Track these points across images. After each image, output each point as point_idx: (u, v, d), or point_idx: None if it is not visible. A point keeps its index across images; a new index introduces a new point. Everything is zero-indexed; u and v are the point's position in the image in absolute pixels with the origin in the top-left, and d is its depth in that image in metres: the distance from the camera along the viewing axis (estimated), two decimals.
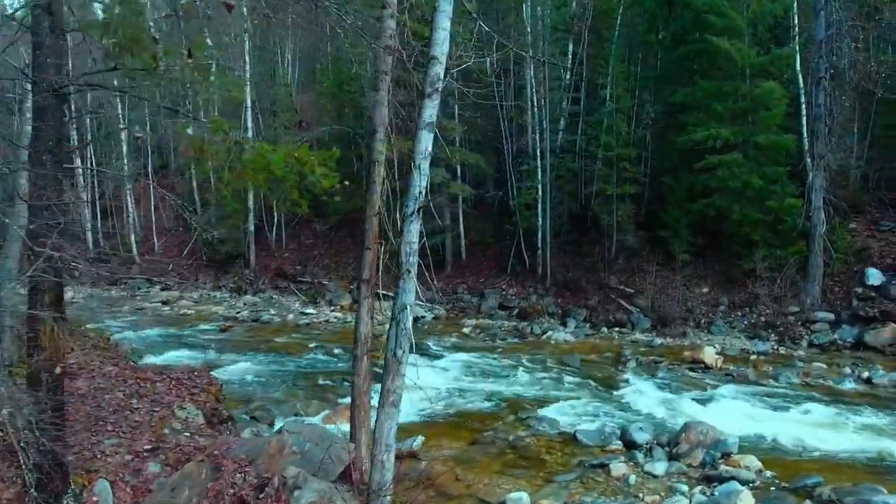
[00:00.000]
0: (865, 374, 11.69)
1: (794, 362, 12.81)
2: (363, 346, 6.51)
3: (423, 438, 7.59)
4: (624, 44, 19.80)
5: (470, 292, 20.21)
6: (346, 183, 4.62)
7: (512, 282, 20.03)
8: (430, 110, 4.73)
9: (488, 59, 7.40)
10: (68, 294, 22.04)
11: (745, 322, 15.72)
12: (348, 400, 10.01)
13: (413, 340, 4.99)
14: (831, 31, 14.74)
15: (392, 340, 4.98)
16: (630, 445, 7.52)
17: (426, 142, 4.76)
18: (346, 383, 10.69)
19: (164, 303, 20.02)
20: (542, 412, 9.10)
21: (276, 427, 8.42)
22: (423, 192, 4.81)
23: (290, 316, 17.98)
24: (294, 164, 4.05)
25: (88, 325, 14.27)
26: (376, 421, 5.05)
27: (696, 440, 7.18)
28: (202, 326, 16.10)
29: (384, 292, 21.72)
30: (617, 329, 16.17)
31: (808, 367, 12.46)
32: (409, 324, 4.99)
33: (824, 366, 12.55)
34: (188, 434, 6.00)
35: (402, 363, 4.95)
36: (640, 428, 7.77)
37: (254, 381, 10.52)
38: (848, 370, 12.16)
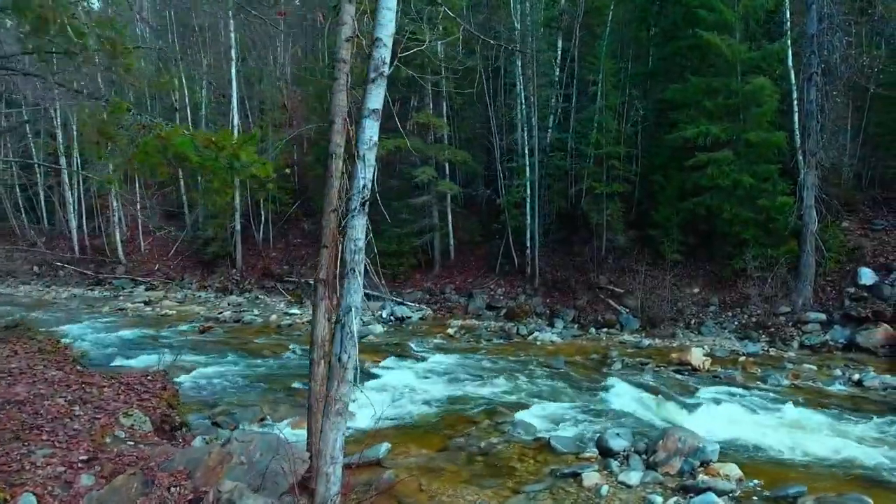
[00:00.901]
0: (856, 377, 11.37)
1: (783, 364, 12.50)
2: (320, 349, 6.15)
3: (390, 445, 7.24)
4: (615, 40, 19.47)
5: (458, 292, 19.88)
6: (287, 170, 4.24)
7: (500, 281, 19.70)
8: (375, 97, 4.40)
9: (440, 43, 7.04)
10: (49, 294, 21.79)
11: (736, 323, 15.42)
12: None
13: (356, 343, 4.64)
14: (823, 25, 14.43)
15: (337, 344, 4.65)
16: (606, 453, 7.18)
17: (371, 130, 4.43)
18: None
19: (147, 303, 19.67)
20: (518, 416, 8.76)
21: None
22: (368, 185, 4.49)
23: (273, 316, 17.63)
24: (213, 149, 3.69)
25: (60, 327, 13.96)
26: (321, 431, 4.73)
27: (674, 448, 6.84)
28: (181, 327, 15.75)
29: (374, 293, 21.00)
30: (605, 330, 15.85)
31: (797, 368, 12.15)
32: (355, 327, 4.65)
33: (814, 367, 12.24)
34: (131, 443, 5.65)
35: (347, 369, 4.61)
36: (618, 434, 7.43)
37: (223, 383, 10.16)
38: (838, 372, 11.85)
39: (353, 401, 4.73)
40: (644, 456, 7.06)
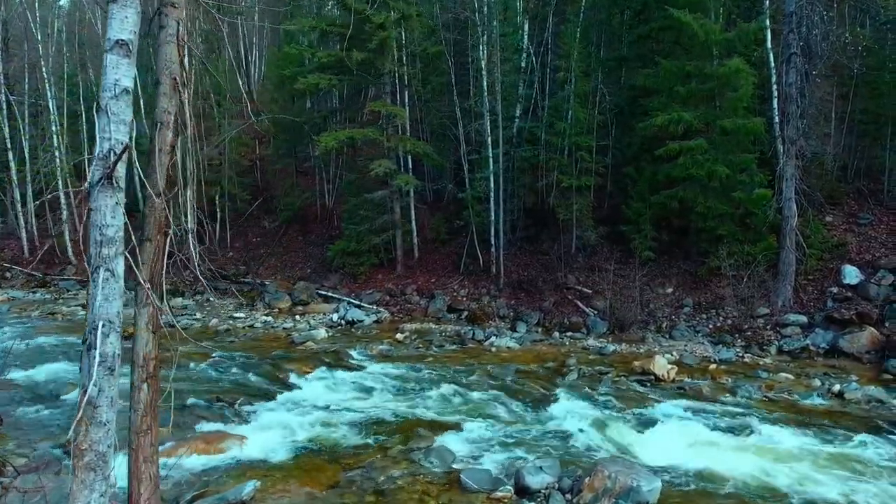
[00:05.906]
0: (837, 388, 10.15)
1: (757, 372, 11.28)
2: (142, 370, 4.87)
3: (258, 484, 5.95)
4: (587, 25, 18.19)
5: (419, 293, 18.55)
6: None
7: (465, 282, 18.40)
8: (120, 22, 3.11)
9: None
10: None
11: (711, 325, 14.18)
12: (211, 427, 8.39)
13: (115, 370, 3.36)
14: (802, 0, 13.19)
15: (84, 374, 3.39)
16: (523, 491, 5.91)
17: (117, 72, 3.13)
18: (219, 403, 9.10)
19: (84, 306, 18.27)
20: (439, 440, 7.49)
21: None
22: (118, 149, 3.21)
23: (215, 320, 16.31)
24: None
25: None
26: (69, 492, 3.47)
27: (602, 487, 5.57)
28: None
29: (331, 294, 19.43)
30: (570, 334, 14.56)
31: (772, 378, 10.94)
32: (112, 349, 3.39)
33: (791, 377, 11.03)
34: None
35: (98, 407, 3.34)
36: (541, 468, 6.14)
37: None
38: (817, 382, 10.63)
39: (109, 448, 3.42)
40: (568, 496, 5.79)
